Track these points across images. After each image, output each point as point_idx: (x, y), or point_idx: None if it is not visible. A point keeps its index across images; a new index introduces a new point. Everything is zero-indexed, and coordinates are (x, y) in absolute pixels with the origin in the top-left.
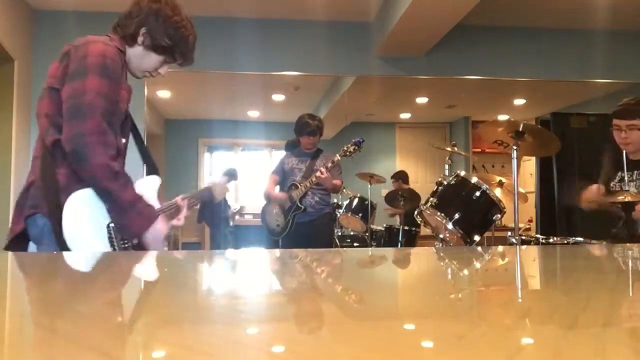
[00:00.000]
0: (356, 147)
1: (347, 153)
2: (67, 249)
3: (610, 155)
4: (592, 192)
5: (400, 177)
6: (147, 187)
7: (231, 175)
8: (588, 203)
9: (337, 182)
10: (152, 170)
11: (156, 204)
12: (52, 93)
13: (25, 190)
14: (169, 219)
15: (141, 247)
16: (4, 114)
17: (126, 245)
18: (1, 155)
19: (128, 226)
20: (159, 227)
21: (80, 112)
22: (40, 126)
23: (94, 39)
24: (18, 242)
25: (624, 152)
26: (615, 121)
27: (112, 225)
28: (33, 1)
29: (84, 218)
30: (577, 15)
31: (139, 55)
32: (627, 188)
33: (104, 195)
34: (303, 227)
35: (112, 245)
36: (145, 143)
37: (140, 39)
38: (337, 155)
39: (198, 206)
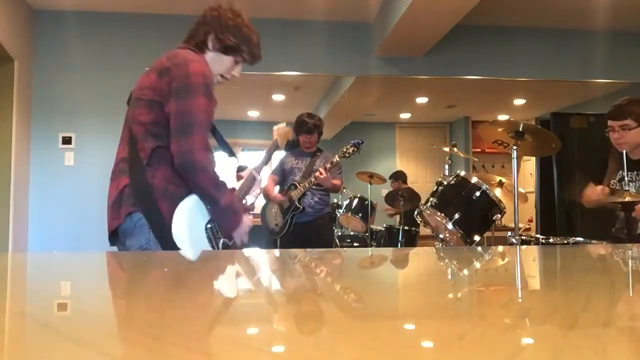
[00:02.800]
0: (355, 149)
1: (346, 155)
2: (168, 244)
3: (615, 157)
4: (596, 193)
5: (399, 176)
6: (228, 167)
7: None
8: (589, 201)
9: (336, 181)
10: (230, 153)
11: (234, 182)
12: (152, 105)
13: (119, 191)
14: (247, 193)
15: (234, 244)
16: (4, 114)
17: (222, 243)
18: (1, 155)
19: (226, 225)
20: (244, 221)
21: (189, 129)
22: (135, 133)
23: (191, 57)
24: (115, 236)
25: (624, 152)
26: (609, 122)
27: (209, 226)
28: (33, 1)
29: (189, 223)
30: (577, 15)
31: (212, 61)
32: (627, 188)
33: (208, 200)
34: (302, 227)
35: (210, 244)
36: None
37: (210, 44)
38: (336, 156)
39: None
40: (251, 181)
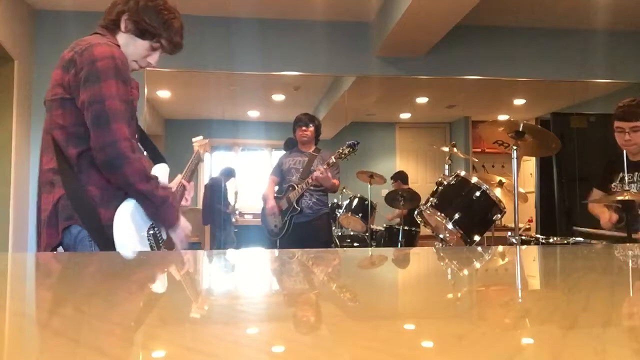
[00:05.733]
0: (351, 149)
1: (342, 155)
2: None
3: (616, 159)
4: (597, 203)
5: (400, 177)
6: (159, 174)
7: (229, 174)
8: (593, 210)
9: (335, 181)
10: (159, 159)
11: None
12: (65, 104)
13: (54, 205)
14: (179, 201)
15: (170, 245)
16: (4, 114)
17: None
18: (1, 155)
19: (163, 220)
20: (183, 225)
21: (103, 119)
22: (57, 138)
23: (94, 40)
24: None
25: (625, 153)
26: (618, 123)
27: (151, 232)
28: (34, 1)
29: (131, 229)
30: (577, 15)
31: (125, 44)
32: (627, 189)
33: (140, 197)
34: (300, 228)
35: (152, 249)
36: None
37: (122, 25)
38: (332, 157)
39: (193, 176)
40: (182, 190)
